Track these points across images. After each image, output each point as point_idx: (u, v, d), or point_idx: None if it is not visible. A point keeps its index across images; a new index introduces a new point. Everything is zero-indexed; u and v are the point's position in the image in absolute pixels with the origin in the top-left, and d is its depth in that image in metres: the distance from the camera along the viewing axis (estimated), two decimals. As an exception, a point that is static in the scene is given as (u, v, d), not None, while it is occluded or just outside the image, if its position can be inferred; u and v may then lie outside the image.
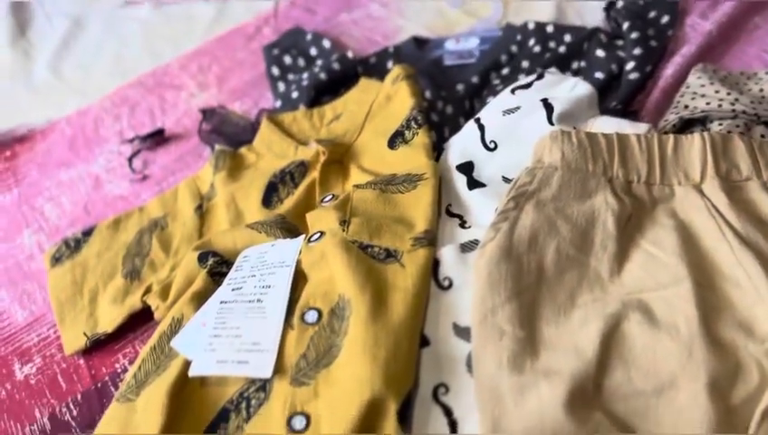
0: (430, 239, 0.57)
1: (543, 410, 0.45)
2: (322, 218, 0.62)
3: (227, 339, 0.55)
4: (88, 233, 0.76)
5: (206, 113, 0.86)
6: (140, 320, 0.67)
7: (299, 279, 0.58)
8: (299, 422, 0.48)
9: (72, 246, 0.75)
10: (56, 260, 0.74)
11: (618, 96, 0.74)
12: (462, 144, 0.67)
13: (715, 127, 0.66)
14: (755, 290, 0.48)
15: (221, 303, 0.58)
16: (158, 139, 0.90)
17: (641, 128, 0.63)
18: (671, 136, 0.58)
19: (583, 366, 0.47)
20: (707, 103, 0.67)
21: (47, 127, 0.99)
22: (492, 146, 0.65)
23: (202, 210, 0.75)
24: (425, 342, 0.53)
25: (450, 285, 0.55)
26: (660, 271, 0.51)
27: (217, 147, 0.79)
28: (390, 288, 0.53)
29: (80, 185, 0.88)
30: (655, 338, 0.47)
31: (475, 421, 0.48)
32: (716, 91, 0.68)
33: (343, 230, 0.58)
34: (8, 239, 0.82)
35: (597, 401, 0.46)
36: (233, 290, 0.59)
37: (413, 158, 0.66)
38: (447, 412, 0.49)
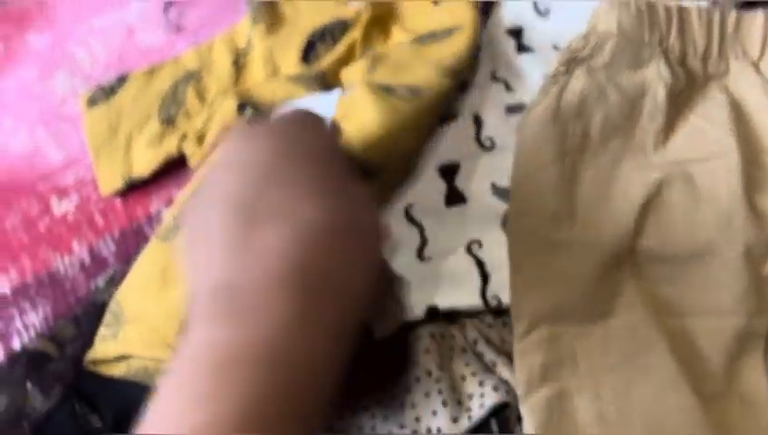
0: (458, 74, 0.57)
1: (574, 273, 0.46)
2: (355, 71, 0.61)
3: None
4: (123, 79, 0.75)
5: (245, -34, 0.83)
6: (175, 168, 0.67)
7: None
8: None
9: (108, 91, 0.74)
10: (92, 102, 0.74)
11: (677, -27, 0.70)
12: (512, 8, 0.64)
13: (777, 9, 0.63)
14: (804, 168, 0.47)
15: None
16: (193, -10, 0.87)
17: (702, 3, 0.60)
18: (733, 11, 0.56)
19: (620, 235, 0.47)
20: (772, -15, 0.64)
21: (78, -28, 0.95)
22: (544, 11, 0.63)
23: (239, 65, 0.74)
24: (461, 199, 0.53)
25: (492, 146, 0.55)
26: (707, 144, 0.51)
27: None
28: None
29: (113, 33, 0.86)
30: (695, 207, 0.48)
31: (505, 277, 0.49)
32: (783, -27, 0.65)
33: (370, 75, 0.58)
34: (42, 80, 0.82)
35: (628, 266, 0.47)
36: (272, 139, 0.60)
37: (456, 12, 0.64)
38: (480, 264, 0.50)
